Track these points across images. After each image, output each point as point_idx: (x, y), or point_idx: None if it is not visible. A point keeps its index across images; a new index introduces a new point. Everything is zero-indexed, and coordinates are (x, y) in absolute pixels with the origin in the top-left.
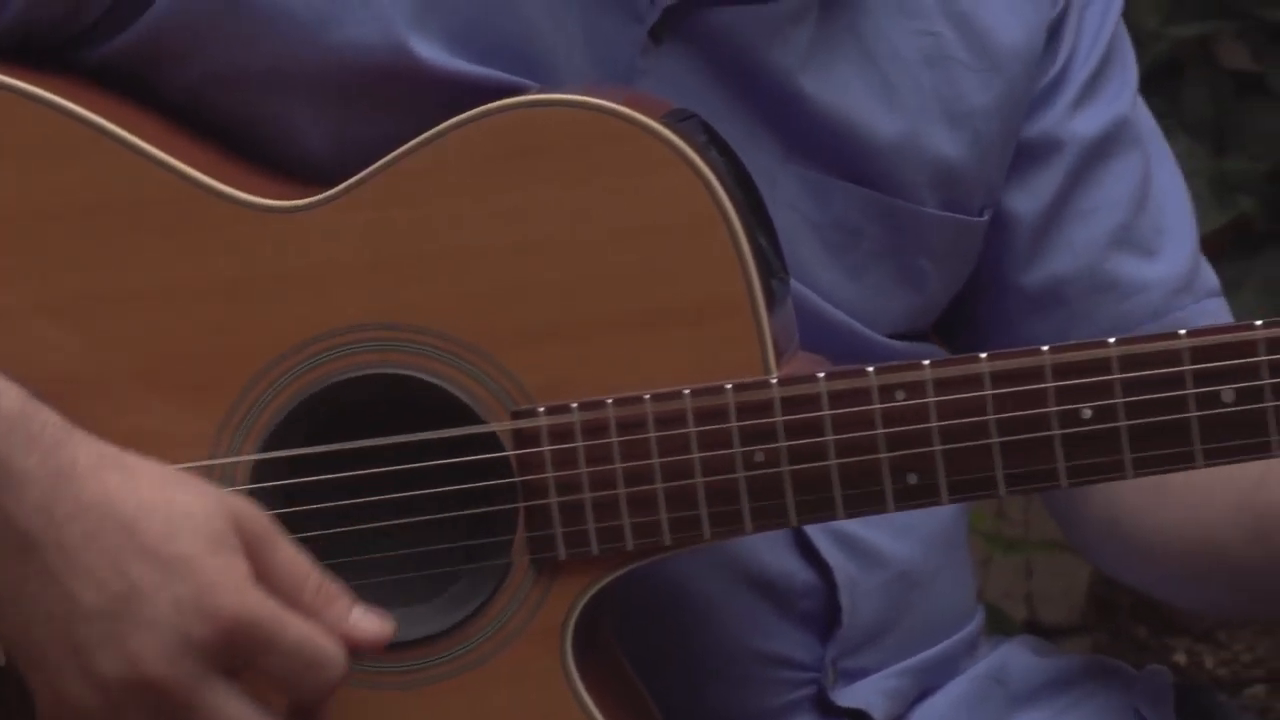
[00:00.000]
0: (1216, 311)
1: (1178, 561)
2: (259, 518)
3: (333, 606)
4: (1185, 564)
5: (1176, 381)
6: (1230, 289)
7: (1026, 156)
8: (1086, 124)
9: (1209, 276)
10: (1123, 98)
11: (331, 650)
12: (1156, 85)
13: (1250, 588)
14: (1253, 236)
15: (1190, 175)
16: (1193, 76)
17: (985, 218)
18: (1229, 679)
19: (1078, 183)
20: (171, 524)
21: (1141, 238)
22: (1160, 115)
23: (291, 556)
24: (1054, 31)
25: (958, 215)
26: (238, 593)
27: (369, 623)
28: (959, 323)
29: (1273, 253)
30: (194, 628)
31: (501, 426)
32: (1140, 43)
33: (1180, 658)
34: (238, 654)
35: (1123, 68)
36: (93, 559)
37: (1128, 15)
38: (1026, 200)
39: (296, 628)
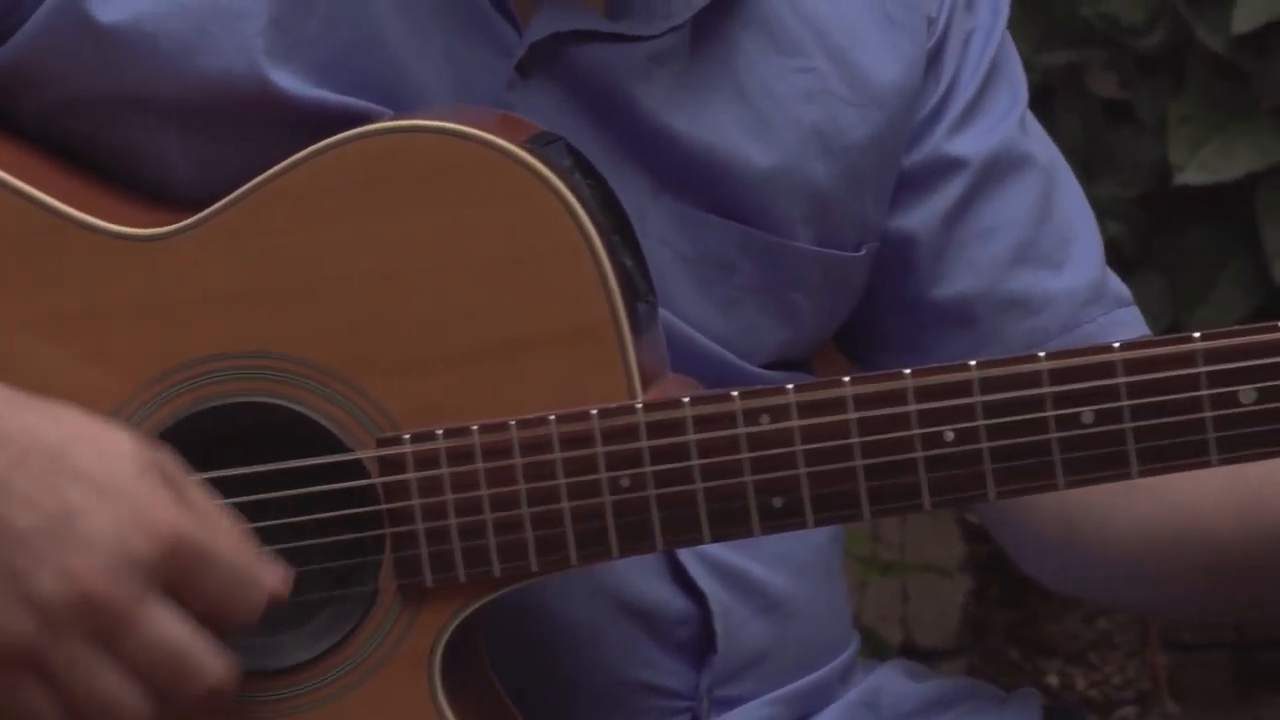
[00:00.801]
0: (1129, 321)
1: (1150, 552)
2: (174, 459)
3: (246, 541)
4: (1158, 554)
5: (1036, 403)
6: None
7: (916, 182)
8: (973, 146)
9: (1119, 286)
10: (1010, 118)
11: (260, 571)
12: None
13: (1225, 566)
14: (1122, 262)
15: None
16: (1063, 104)
17: (862, 253)
18: (1100, 700)
19: (972, 203)
20: (101, 449)
21: (1045, 252)
22: None
23: (206, 496)
24: (933, 59)
25: (831, 250)
26: (175, 511)
27: (274, 567)
28: (875, 345)
29: (1142, 278)
30: (135, 543)
31: (367, 454)
32: None
33: (1053, 679)
34: (177, 571)
35: (1010, 88)
36: (23, 482)
37: None
38: (921, 224)
39: (231, 547)
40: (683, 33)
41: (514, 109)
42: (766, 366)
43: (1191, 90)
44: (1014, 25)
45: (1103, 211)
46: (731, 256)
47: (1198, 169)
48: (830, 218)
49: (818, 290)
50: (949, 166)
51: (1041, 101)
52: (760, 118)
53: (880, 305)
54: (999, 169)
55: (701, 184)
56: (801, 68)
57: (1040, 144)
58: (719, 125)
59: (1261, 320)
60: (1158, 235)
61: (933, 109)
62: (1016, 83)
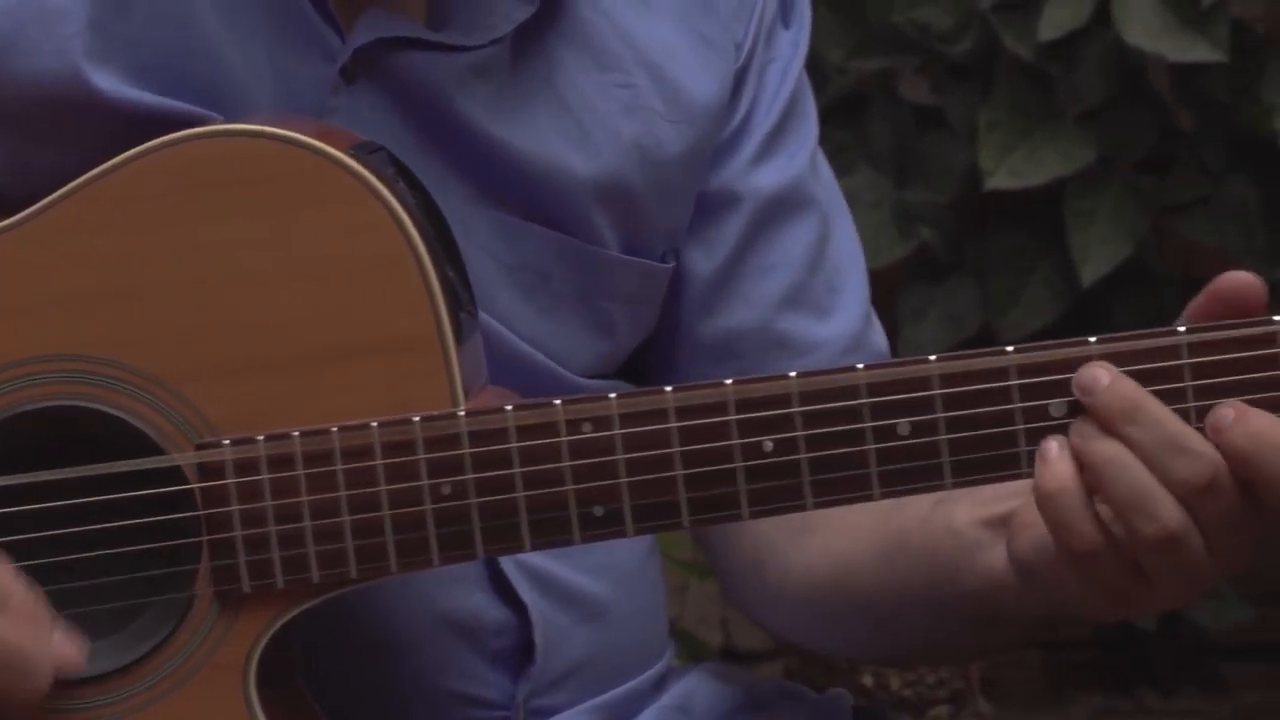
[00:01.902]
0: None
1: (810, 593)
2: None
3: (36, 623)
4: (816, 595)
5: (854, 415)
6: (913, 318)
7: (706, 209)
8: (765, 180)
9: (879, 339)
10: (800, 157)
11: (41, 657)
12: (841, 118)
13: (873, 611)
14: (934, 266)
15: (873, 206)
16: (876, 110)
17: (670, 264)
18: (914, 700)
19: (755, 238)
20: None
21: (815, 297)
22: (845, 147)
23: None
24: (737, 84)
25: (644, 260)
26: None
27: (69, 645)
28: (639, 367)
29: (954, 282)
30: None
31: (185, 459)
32: (825, 76)
33: (868, 680)
34: None
35: (802, 127)
36: None
37: (813, 50)
38: (704, 253)
39: (12, 633)
40: (504, 45)
41: (338, 114)
42: (590, 376)
43: (1000, 97)
44: (828, 32)
45: (914, 216)
46: (549, 265)
47: (1007, 174)
48: (643, 229)
49: (631, 300)
50: (739, 199)
51: (854, 107)
52: (580, 129)
53: (658, 336)
54: (785, 208)
55: (521, 193)
56: (620, 83)
57: (825, 187)
58: (539, 135)
59: (1070, 322)
60: (969, 240)
61: (732, 133)
62: (810, 122)
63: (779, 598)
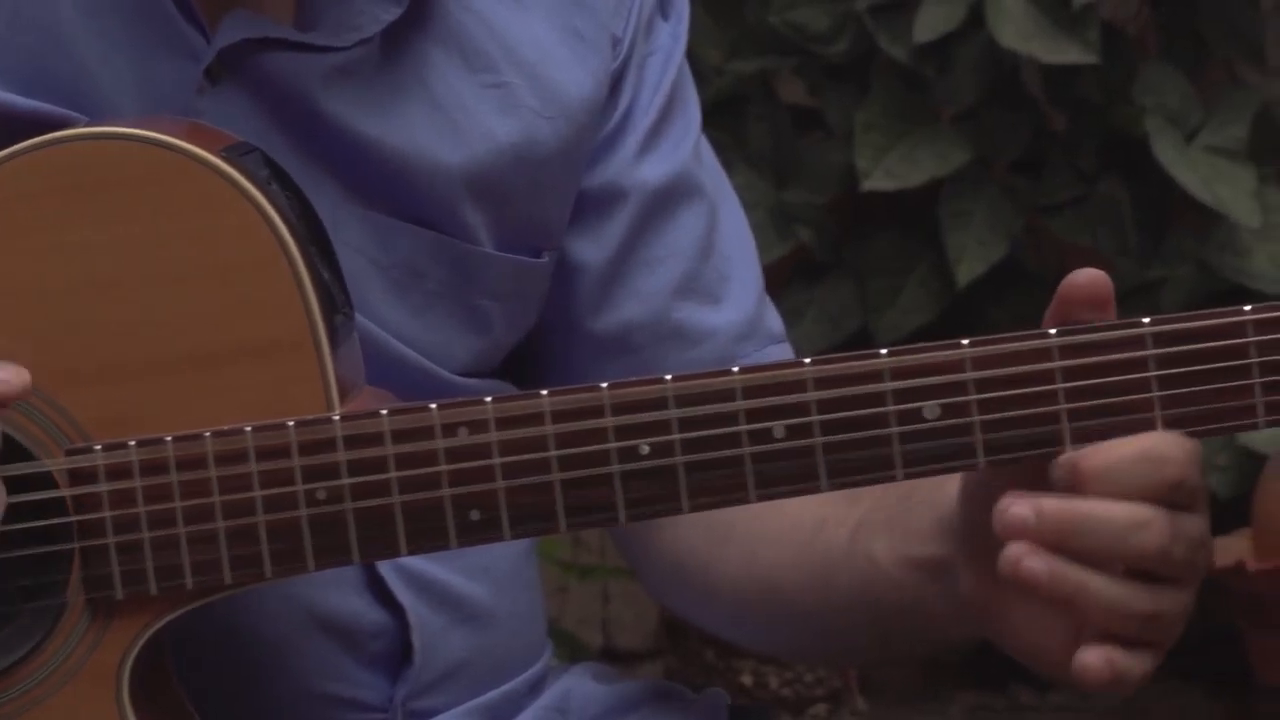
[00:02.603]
0: (780, 356)
1: (743, 606)
2: None
3: None
4: (750, 608)
5: (730, 418)
6: (792, 318)
7: (592, 206)
8: (650, 172)
9: (773, 322)
10: (684, 146)
11: None
12: (720, 119)
13: (813, 629)
14: (812, 267)
15: (752, 207)
16: (753, 112)
17: (545, 259)
18: (792, 699)
19: (643, 231)
20: None
21: (706, 286)
22: (723, 148)
23: None
24: (617, 79)
25: (518, 257)
26: None
27: None
28: (529, 363)
29: (832, 282)
30: None
31: (56, 465)
32: (703, 78)
33: (747, 679)
34: None
35: (685, 117)
36: None
37: (691, 51)
38: (593, 249)
39: None
40: (372, 46)
41: (204, 115)
42: (467, 375)
43: (876, 98)
44: (705, 33)
45: (792, 217)
46: (422, 263)
47: (883, 175)
48: (518, 226)
49: (506, 297)
50: (625, 194)
51: (732, 109)
52: (453, 127)
53: (544, 325)
54: (672, 199)
55: (392, 191)
56: (493, 82)
57: (710, 174)
58: (411, 132)
59: (947, 322)
60: (846, 240)
61: (613, 130)
62: (692, 111)
63: (707, 603)
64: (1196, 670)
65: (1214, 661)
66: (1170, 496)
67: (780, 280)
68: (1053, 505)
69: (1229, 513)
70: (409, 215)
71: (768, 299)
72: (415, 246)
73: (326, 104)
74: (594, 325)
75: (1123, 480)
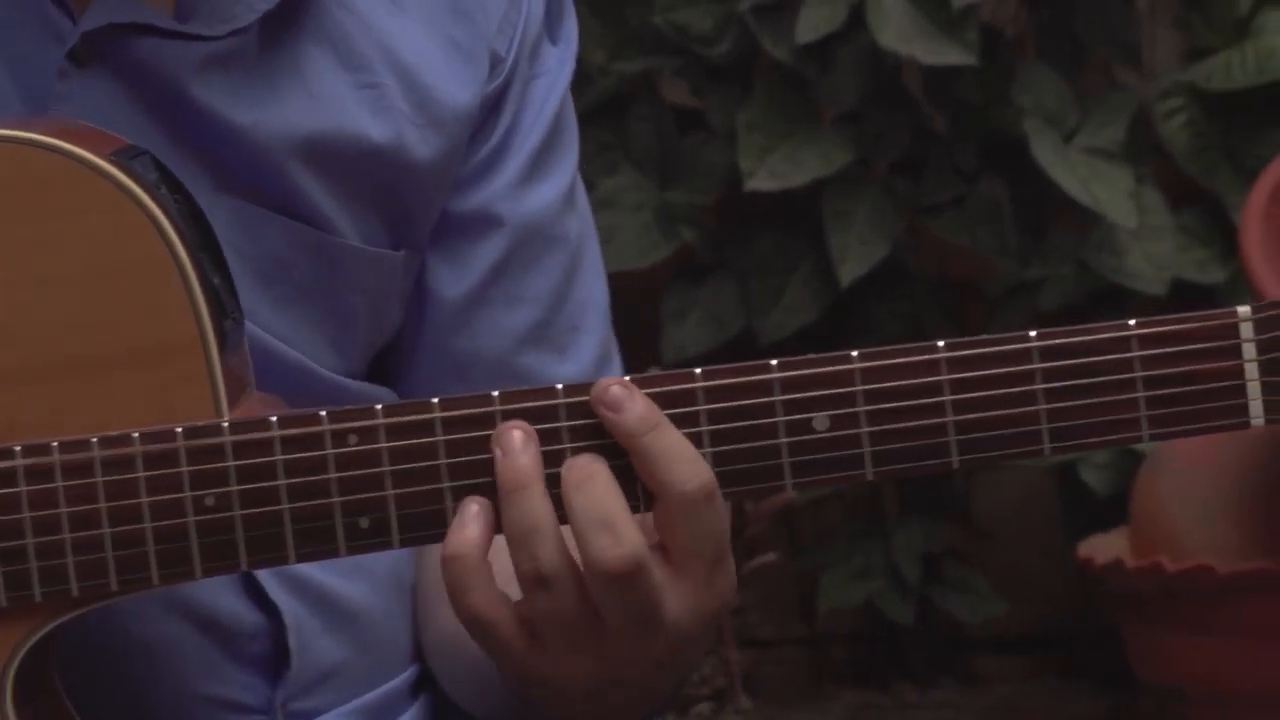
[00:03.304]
0: None
1: (444, 671)
2: None
3: None
4: (447, 676)
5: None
6: (675, 318)
7: (460, 230)
8: (526, 206)
9: (614, 373)
10: (561, 184)
11: None
12: (604, 120)
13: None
14: (696, 267)
15: (636, 208)
16: (637, 111)
17: (402, 253)
18: (677, 698)
19: (510, 265)
20: None
21: (556, 336)
22: (607, 149)
23: None
24: (496, 101)
25: (379, 250)
26: None
27: None
28: (387, 379)
29: (716, 283)
30: None
31: None
32: (588, 78)
33: None
34: None
35: (568, 151)
36: None
37: (576, 52)
38: (457, 275)
39: None
40: (248, 37)
41: (68, 100)
42: (345, 375)
43: (759, 99)
44: (589, 34)
45: (676, 217)
46: (288, 254)
47: (767, 175)
48: (381, 221)
49: (369, 292)
50: (500, 222)
51: (616, 109)
52: (326, 119)
53: (395, 341)
54: (541, 238)
55: (262, 181)
56: (368, 83)
57: (581, 218)
58: (283, 123)
59: (829, 322)
60: (730, 240)
61: (491, 153)
62: (574, 149)
63: (432, 651)
64: (1077, 667)
65: (1094, 658)
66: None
67: (664, 281)
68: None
69: (1108, 510)
70: (277, 206)
71: (615, 352)
72: (282, 238)
73: (198, 93)
74: (444, 345)
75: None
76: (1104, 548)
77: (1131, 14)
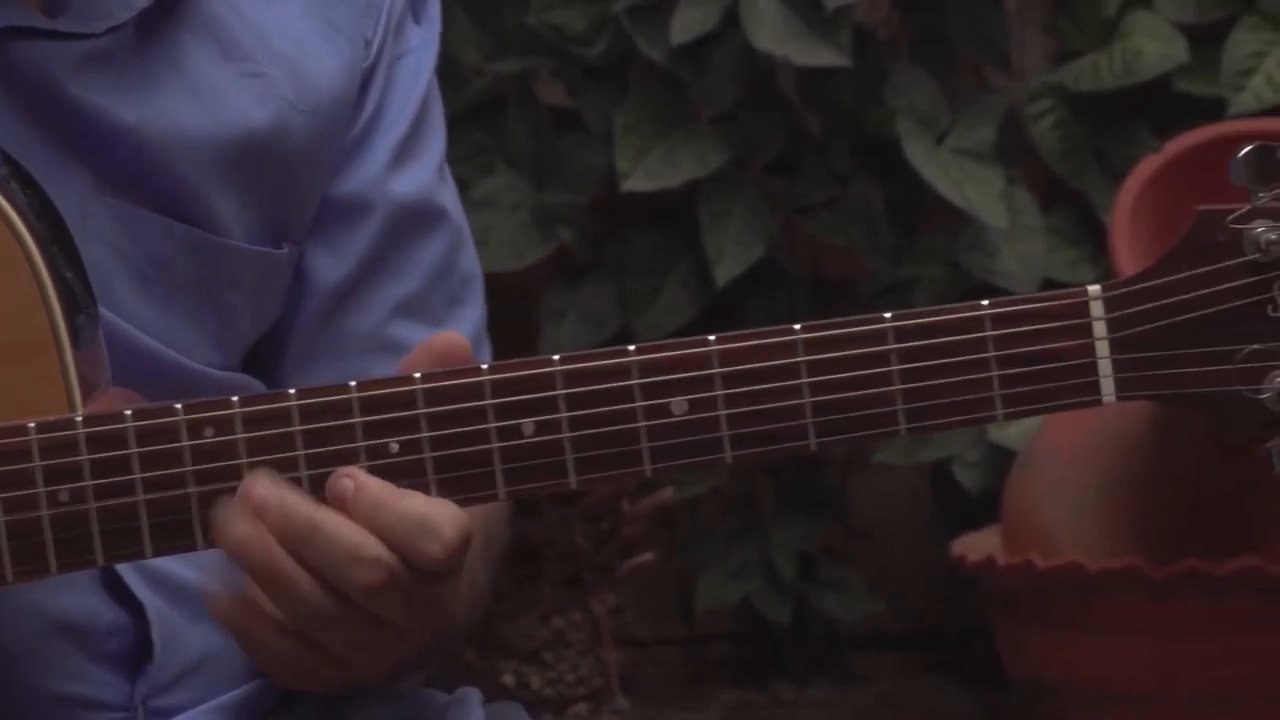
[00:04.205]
0: None
1: None
2: None
3: None
4: None
5: (480, 415)
6: (553, 319)
7: (335, 216)
8: (399, 188)
9: (485, 355)
10: (431, 165)
11: None
12: (479, 120)
13: None
14: (574, 268)
15: (513, 208)
16: (513, 113)
17: (285, 251)
18: (554, 698)
19: (386, 249)
20: None
21: (433, 309)
22: (483, 150)
23: None
24: (366, 78)
25: (262, 249)
26: None
27: None
28: (258, 364)
29: (594, 283)
30: None
31: None
32: (463, 79)
33: (509, 679)
34: None
35: (436, 132)
36: None
37: (450, 52)
38: (332, 262)
39: None
40: (125, 33)
41: None
42: (217, 368)
43: (635, 100)
44: (464, 34)
45: (553, 218)
46: (169, 254)
47: (643, 176)
48: (263, 217)
49: (251, 290)
50: (372, 207)
51: (492, 110)
52: (208, 112)
53: (276, 331)
54: (418, 218)
55: (144, 180)
56: (250, 72)
57: (453, 198)
58: (166, 119)
59: (706, 322)
60: (607, 241)
61: (361, 134)
62: (441, 130)
63: None
64: (952, 665)
65: (967, 656)
66: (419, 566)
67: (541, 281)
68: (292, 500)
69: (980, 508)
70: (159, 205)
71: (486, 340)
72: (163, 238)
73: (77, 93)
74: (315, 330)
75: (385, 531)
76: (977, 546)
77: (1001, 17)
